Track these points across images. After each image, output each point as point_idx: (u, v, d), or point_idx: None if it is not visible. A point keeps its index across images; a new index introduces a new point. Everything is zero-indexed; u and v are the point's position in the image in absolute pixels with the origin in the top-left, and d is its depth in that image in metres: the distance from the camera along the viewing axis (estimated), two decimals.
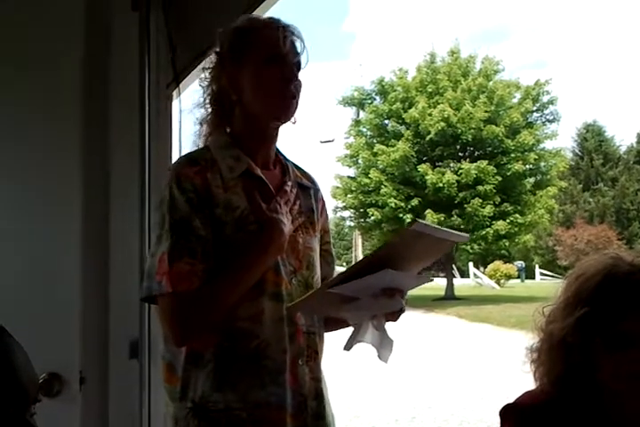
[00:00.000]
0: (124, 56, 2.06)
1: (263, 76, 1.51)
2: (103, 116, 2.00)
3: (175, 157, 1.96)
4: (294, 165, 1.68)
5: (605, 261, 1.35)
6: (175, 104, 2.29)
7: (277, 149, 1.63)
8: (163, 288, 1.39)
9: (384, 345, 1.41)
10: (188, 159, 1.52)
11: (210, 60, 1.58)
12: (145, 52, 2.10)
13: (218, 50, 1.57)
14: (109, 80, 2.03)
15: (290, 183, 1.59)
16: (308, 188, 1.66)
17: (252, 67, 1.52)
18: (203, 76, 1.59)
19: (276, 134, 1.59)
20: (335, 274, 1.63)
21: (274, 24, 1.54)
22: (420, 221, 1.28)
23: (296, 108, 1.55)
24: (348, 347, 1.40)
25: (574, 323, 1.30)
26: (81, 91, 1.91)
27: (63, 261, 1.88)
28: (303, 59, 1.56)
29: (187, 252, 1.41)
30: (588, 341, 1.29)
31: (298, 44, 1.56)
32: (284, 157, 1.66)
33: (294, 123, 1.57)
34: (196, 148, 1.60)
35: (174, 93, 2.25)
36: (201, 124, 1.61)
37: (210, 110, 1.59)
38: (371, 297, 1.34)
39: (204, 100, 1.59)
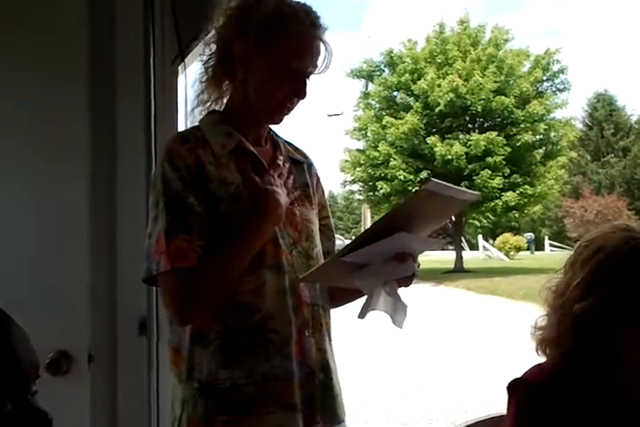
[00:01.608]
0: (128, 32, 2.03)
1: (275, 82, 1.49)
2: (109, 92, 1.99)
3: None
4: (286, 141, 1.67)
5: (620, 235, 1.33)
6: (181, 80, 2.26)
7: (269, 127, 1.62)
8: (161, 267, 1.39)
9: (398, 311, 1.40)
10: (178, 137, 1.52)
11: (228, 22, 1.52)
12: (149, 28, 2.07)
13: (245, 14, 1.49)
14: (114, 56, 2.01)
15: (282, 158, 1.59)
16: (301, 162, 1.66)
17: (271, 65, 1.48)
18: (213, 32, 1.55)
19: None
20: (336, 248, 1.63)
21: (314, 33, 1.49)
22: (434, 179, 1.25)
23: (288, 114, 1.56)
24: (362, 315, 1.39)
25: (598, 302, 1.28)
26: (86, 68, 1.89)
27: (71, 240, 1.87)
28: (318, 71, 1.53)
29: (183, 229, 1.40)
30: (613, 318, 1.28)
31: (323, 59, 1.52)
32: (275, 134, 1.65)
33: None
34: (189, 118, 1.60)
35: (179, 69, 2.22)
36: (204, 66, 1.56)
37: (213, 64, 1.55)
38: (382, 263, 1.34)
39: (214, 40, 1.55)
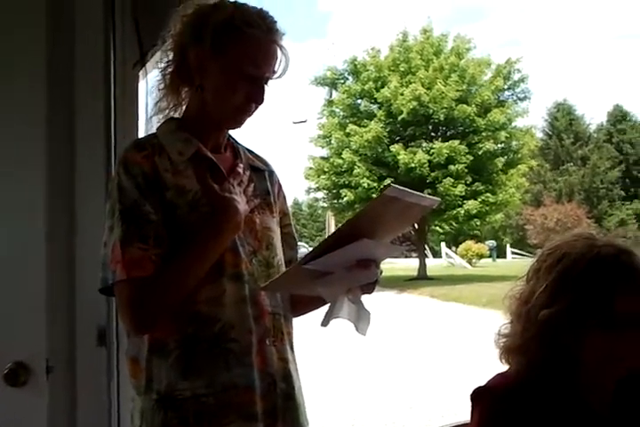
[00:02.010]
0: (88, 35, 2.00)
1: (232, 87, 1.47)
2: (68, 97, 1.95)
3: None
4: (246, 148, 1.65)
5: (584, 243, 1.35)
6: (142, 85, 2.23)
7: (228, 134, 1.61)
8: (117, 276, 1.36)
9: (361, 318, 1.39)
10: (134, 145, 1.49)
11: (183, 29, 1.51)
12: (110, 32, 2.04)
13: (202, 12, 1.49)
14: (74, 60, 1.97)
15: (242, 165, 1.57)
16: (261, 170, 1.64)
17: (226, 70, 1.47)
18: (170, 40, 1.53)
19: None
20: (299, 256, 1.60)
21: (270, 38, 1.48)
22: (394, 185, 1.25)
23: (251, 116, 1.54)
24: (325, 323, 1.37)
25: (564, 308, 1.29)
26: (44, 72, 1.85)
27: (28, 248, 1.83)
28: (275, 76, 1.52)
29: (138, 238, 1.37)
30: (576, 324, 1.29)
31: (280, 64, 1.52)
32: (235, 141, 1.63)
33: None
34: (146, 126, 1.59)
35: (140, 74, 2.20)
36: (162, 73, 1.55)
37: (170, 72, 1.53)
38: (345, 270, 1.32)
39: (170, 48, 1.53)
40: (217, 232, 1.42)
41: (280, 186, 1.68)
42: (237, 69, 1.46)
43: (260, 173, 1.63)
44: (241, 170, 1.55)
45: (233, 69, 1.46)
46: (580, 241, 1.36)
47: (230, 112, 1.51)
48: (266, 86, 1.51)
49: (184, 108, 1.57)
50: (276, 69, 1.52)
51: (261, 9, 1.51)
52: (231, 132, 1.61)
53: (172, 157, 1.46)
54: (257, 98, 1.50)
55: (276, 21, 1.50)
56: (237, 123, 1.54)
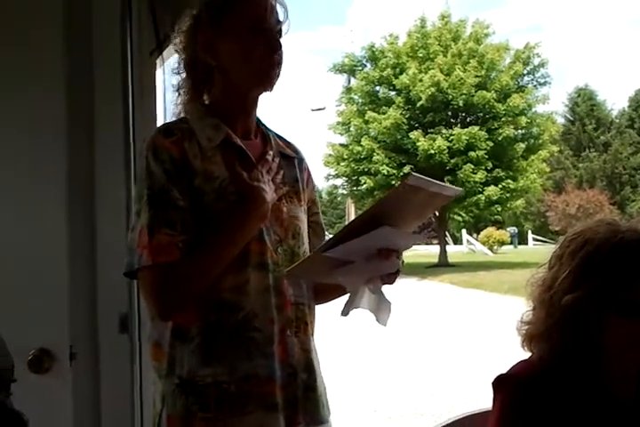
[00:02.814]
0: (105, 24, 2.01)
1: (247, 45, 1.47)
2: (86, 86, 1.96)
3: None
4: (277, 135, 1.64)
5: (607, 228, 1.34)
6: (159, 73, 2.23)
7: (258, 119, 1.59)
8: (143, 261, 1.36)
9: (382, 308, 1.38)
10: (163, 130, 1.48)
11: (185, 22, 1.53)
12: (127, 21, 2.04)
13: (195, 12, 1.52)
14: (92, 49, 1.98)
15: (271, 153, 1.55)
16: (291, 157, 1.62)
17: (235, 34, 1.47)
18: (179, 39, 1.55)
19: (256, 103, 1.55)
20: None
21: None
22: (415, 174, 1.22)
23: (279, 76, 1.52)
24: (345, 313, 1.37)
25: (587, 293, 1.29)
26: (63, 61, 1.86)
27: (50, 236, 1.84)
28: (285, 27, 1.53)
29: (165, 223, 1.37)
30: (599, 309, 1.29)
31: (281, 12, 1.52)
32: (266, 127, 1.62)
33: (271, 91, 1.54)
34: (174, 117, 1.56)
35: (158, 62, 2.19)
36: (178, 91, 1.57)
37: (184, 76, 1.55)
38: (366, 259, 1.31)
39: (179, 65, 1.55)
40: (243, 221, 1.41)
41: (309, 173, 1.67)
42: (244, 30, 1.46)
43: (290, 160, 1.61)
44: (270, 157, 1.54)
45: (240, 32, 1.47)
46: (602, 227, 1.35)
47: (256, 72, 1.49)
48: (279, 37, 1.51)
49: (208, 87, 1.55)
50: (280, 19, 1.52)
51: None
52: (261, 117, 1.60)
53: (201, 142, 1.45)
54: (274, 46, 1.48)
55: None
56: (268, 78, 1.50)
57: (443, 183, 1.30)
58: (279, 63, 1.50)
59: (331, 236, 1.33)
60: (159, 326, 1.44)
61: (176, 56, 1.60)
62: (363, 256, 1.31)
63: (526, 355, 1.40)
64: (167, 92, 2.13)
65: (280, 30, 1.52)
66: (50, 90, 1.85)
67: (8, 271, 1.83)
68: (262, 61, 1.47)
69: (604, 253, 1.30)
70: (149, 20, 2.12)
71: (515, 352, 1.43)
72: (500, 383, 1.36)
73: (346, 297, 1.41)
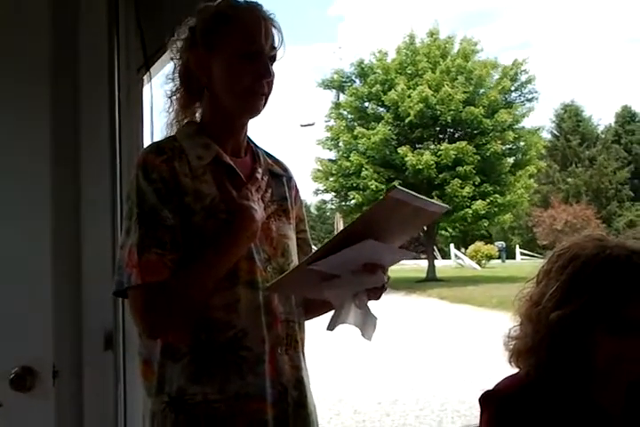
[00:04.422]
0: (92, 41, 2.00)
1: (236, 70, 1.47)
2: (72, 102, 1.96)
3: (147, 143, 1.92)
4: (266, 152, 1.64)
5: (595, 244, 1.34)
6: (146, 89, 2.23)
7: (248, 137, 1.60)
8: (132, 280, 1.36)
9: (367, 323, 1.38)
10: (153, 148, 1.48)
11: (184, 32, 1.53)
12: (114, 37, 2.05)
13: (192, 25, 1.52)
14: (78, 65, 1.97)
15: (261, 171, 1.56)
16: (280, 175, 1.63)
17: (226, 57, 1.47)
18: (175, 46, 1.55)
19: (246, 125, 1.56)
20: None
21: (256, 15, 1.49)
22: (400, 187, 1.23)
23: (266, 102, 1.52)
24: (330, 327, 1.36)
25: (575, 309, 1.28)
26: (48, 77, 1.85)
27: (34, 253, 1.82)
28: (280, 52, 1.53)
29: (155, 242, 1.37)
30: (587, 326, 1.28)
31: (277, 38, 1.52)
32: (255, 145, 1.62)
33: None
34: (166, 126, 1.57)
35: (145, 78, 2.20)
36: (170, 98, 1.57)
37: (178, 84, 1.55)
38: (351, 274, 1.31)
39: (174, 72, 1.56)
40: (232, 240, 1.41)
41: (297, 191, 1.67)
42: (235, 51, 1.46)
43: (279, 178, 1.62)
44: (259, 175, 1.54)
45: (231, 53, 1.46)
46: (590, 242, 1.35)
47: (243, 97, 1.49)
48: (270, 63, 1.50)
49: (199, 99, 1.56)
50: (274, 45, 1.51)
51: (254, 2, 1.53)
52: (251, 135, 1.60)
53: (191, 161, 1.45)
54: (263, 72, 1.48)
55: (261, 4, 1.51)
56: (254, 107, 1.51)
57: (428, 199, 1.30)
58: (266, 91, 1.50)
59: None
60: (149, 343, 1.43)
61: (164, 71, 1.60)
62: (348, 270, 1.31)
63: (514, 370, 1.40)
64: (154, 107, 2.14)
65: (273, 56, 1.51)
66: (36, 106, 1.84)
67: None
68: (249, 89, 1.48)
69: (591, 269, 1.30)
70: (137, 36, 2.12)
71: (503, 368, 1.42)
72: (486, 399, 1.36)
73: (332, 312, 1.40)
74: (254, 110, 1.51)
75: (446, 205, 1.39)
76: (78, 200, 1.95)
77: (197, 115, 1.58)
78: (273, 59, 1.51)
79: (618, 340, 1.27)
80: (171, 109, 1.57)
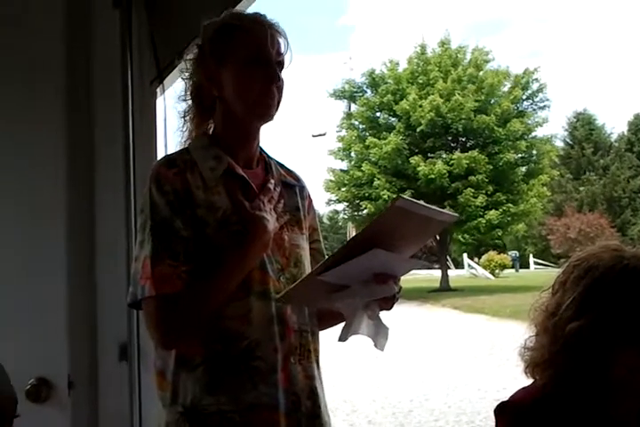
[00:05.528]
0: (105, 54, 2.03)
1: (245, 77, 1.49)
2: (87, 115, 1.98)
3: (160, 156, 1.94)
4: (278, 162, 1.65)
5: (611, 254, 1.32)
6: (160, 101, 2.25)
7: (260, 148, 1.61)
8: (146, 292, 1.37)
9: (379, 334, 1.38)
10: (166, 161, 1.50)
11: (192, 52, 1.56)
12: (127, 50, 2.06)
13: (200, 43, 1.55)
14: (92, 79, 2.00)
15: (273, 181, 1.56)
16: (292, 185, 1.63)
17: (235, 66, 1.49)
18: (185, 67, 1.57)
19: (258, 133, 1.57)
20: None
21: (260, 23, 1.51)
22: (405, 196, 1.23)
23: (278, 108, 1.53)
24: (343, 338, 1.36)
25: (592, 321, 1.27)
26: (63, 90, 1.88)
27: (50, 264, 1.84)
28: (287, 58, 1.55)
29: (168, 254, 1.38)
30: (605, 337, 1.26)
31: (282, 44, 1.54)
32: (268, 155, 1.63)
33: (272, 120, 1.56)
34: (180, 145, 1.58)
35: (158, 91, 2.22)
36: (183, 118, 1.59)
37: (190, 104, 1.58)
38: (362, 284, 1.31)
39: (186, 92, 1.57)
40: (246, 250, 1.42)
41: (311, 201, 1.68)
42: (243, 59, 1.49)
43: (292, 188, 1.63)
44: (272, 186, 1.55)
45: (239, 61, 1.49)
46: (607, 253, 1.33)
47: (254, 102, 1.50)
48: (279, 69, 1.52)
49: (212, 115, 1.58)
50: (281, 51, 1.53)
51: (258, 13, 1.56)
52: (263, 146, 1.61)
53: (203, 173, 1.47)
54: (272, 77, 1.50)
55: (264, 14, 1.54)
56: (266, 113, 1.52)
57: (436, 208, 1.29)
58: (276, 95, 1.51)
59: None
60: (163, 354, 1.44)
61: (177, 84, 1.62)
62: (358, 280, 1.31)
63: (529, 381, 1.39)
64: (167, 120, 2.15)
65: (281, 62, 1.53)
66: (49, 119, 1.87)
67: (7, 300, 1.83)
68: (260, 94, 1.49)
69: (609, 280, 1.28)
70: (150, 49, 2.14)
71: (516, 377, 1.41)
72: (501, 410, 1.34)
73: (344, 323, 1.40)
74: (266, 116, 1.53)
75: (456, 214, 1.39)
76: (93, 213, 1.96)
77: (210, 126, 1.59)
78: (281, 64, 1.53)
79: (636, 352, 1.26)
80: (184, 128, 1.59)
